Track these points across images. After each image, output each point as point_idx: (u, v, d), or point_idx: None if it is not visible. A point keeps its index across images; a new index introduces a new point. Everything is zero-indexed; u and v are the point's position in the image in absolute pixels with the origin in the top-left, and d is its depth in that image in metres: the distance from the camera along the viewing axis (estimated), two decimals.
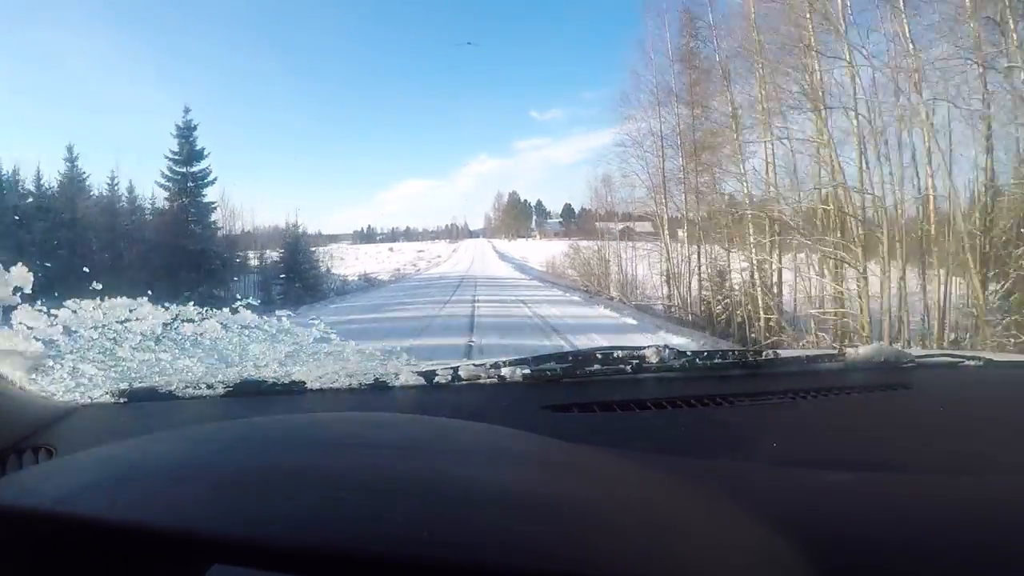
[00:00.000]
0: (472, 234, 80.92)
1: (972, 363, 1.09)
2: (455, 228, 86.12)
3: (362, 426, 0.53)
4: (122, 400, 0.87)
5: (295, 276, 19.14)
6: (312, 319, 1.08)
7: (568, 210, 72.69)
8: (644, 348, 1.02)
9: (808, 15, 8.40)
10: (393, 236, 79.57)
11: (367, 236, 77.98)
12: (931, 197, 7.44)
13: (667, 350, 1.01)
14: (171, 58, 77.62)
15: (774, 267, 10.59)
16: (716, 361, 1.03)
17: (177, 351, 0.99)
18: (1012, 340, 6.32)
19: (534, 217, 79.22)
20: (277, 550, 0.31)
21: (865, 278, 7.72)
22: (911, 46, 7.18)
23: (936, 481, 0.57)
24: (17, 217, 13.41)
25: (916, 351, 1.14)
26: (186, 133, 16.59)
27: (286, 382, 0.92)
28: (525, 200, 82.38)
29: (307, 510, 0.33)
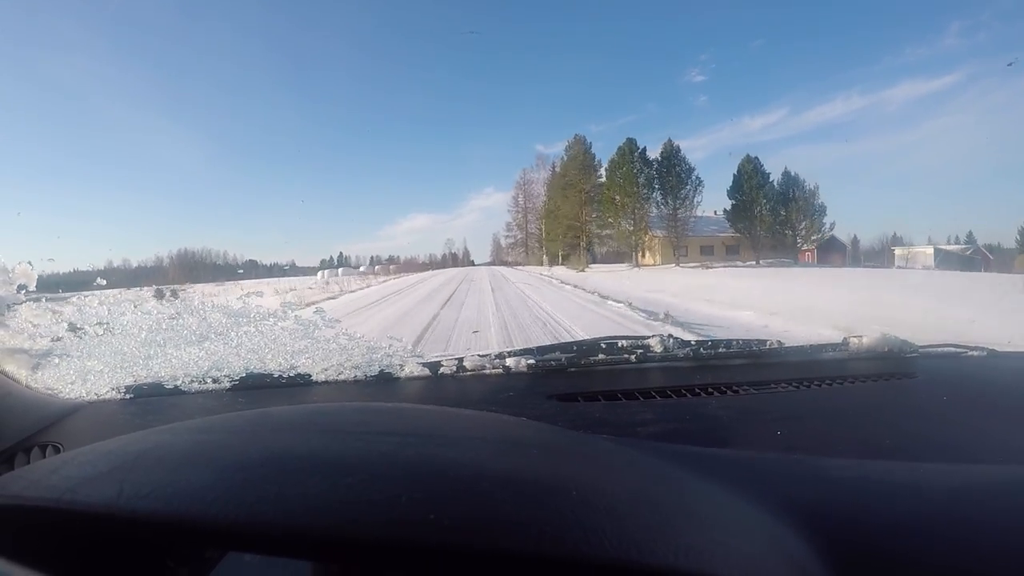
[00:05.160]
0: (474, 264, 60.05)
1: (976, 353, 1.09)
2: (454, 257, 69.99)
3: (367, 414, 0.53)
4: (128, 396, 0.86)
5: None
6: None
7: (743, 182, 29.02)
8: (648, 337, 1.03)
9: None
10: (376, 263, 77.27)
11: (339, 265, 70.88)
12: None
13: (671, 339, 1.02)
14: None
15: None
16: (720, 350, 1.03)
17: (182, 345, 0.98)
18: None
19: (655, 195, 31.11)
20: (285, 534, 0.31)
21: None
22: None
23: (940, 469, 0.58)
24: None
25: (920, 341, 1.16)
26: None
27: (292, 375, 0.93)
28: (631, 141, 31.60)
29: (315, 495, 0.34)
